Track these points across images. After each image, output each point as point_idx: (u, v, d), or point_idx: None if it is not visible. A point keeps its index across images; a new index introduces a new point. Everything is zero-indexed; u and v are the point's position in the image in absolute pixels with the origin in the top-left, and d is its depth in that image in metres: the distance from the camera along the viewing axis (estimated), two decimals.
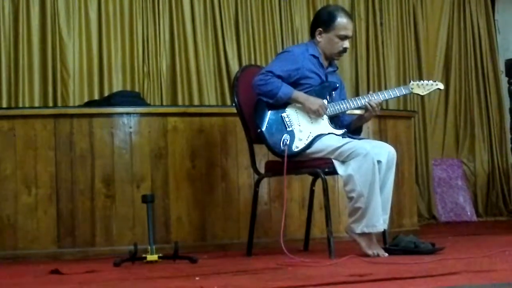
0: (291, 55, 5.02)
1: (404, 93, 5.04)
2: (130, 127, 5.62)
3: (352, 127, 5.09)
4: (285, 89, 4.87)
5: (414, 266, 4.00)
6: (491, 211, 9.08)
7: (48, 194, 5.48)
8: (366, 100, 4.93)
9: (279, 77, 4.88)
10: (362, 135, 5.15)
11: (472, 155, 9.20)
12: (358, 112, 5.49)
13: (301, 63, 4.98)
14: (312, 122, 4.90)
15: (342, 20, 4.99)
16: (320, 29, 5.03)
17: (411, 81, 5.09)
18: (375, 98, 4.93)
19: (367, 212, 4.70)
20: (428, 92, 5.05)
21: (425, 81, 5.07)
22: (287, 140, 4.85)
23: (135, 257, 4.73)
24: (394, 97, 5.04)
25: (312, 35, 5.10)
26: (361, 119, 5.08)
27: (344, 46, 5.01)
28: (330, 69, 5.14)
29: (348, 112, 5.10)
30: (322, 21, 5.03)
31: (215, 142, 5.78)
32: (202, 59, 7.97)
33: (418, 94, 5.08)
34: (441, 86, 5.08)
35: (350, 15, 5.17)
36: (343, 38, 5.00)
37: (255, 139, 5.06)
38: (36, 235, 5.45)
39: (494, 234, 6.51)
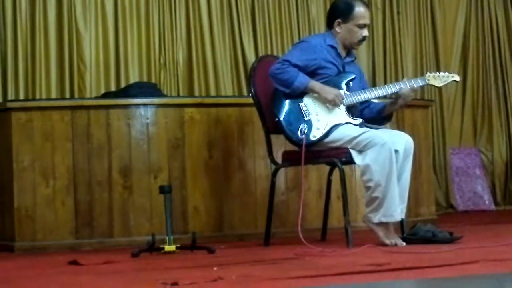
0: (308, 45, 5.03)
1: (420, 84, 5.01)
2: (147, 118, 5.62)
3: (386, 112, 5.06)
4: (301, 79, 4.87)
5: (432, 255, 4.00)
6: (510, 200, 9.02)
7: (66, 185, 5.50)
8: (398, 88, 4.91)
9: (295, 66, 4.88)
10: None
11: (490, 144, 9.13)
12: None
13: (319, 53, 4.98)
14: (329, 112, 4.89)
15: (359, 9, 5.00)
16: (339, 20, 5.02)
17: (427, 72, 5.08)
18: (403, 86, 4.92)
19: (385, 201, 4.70)
20: (444, 84, 5.04)
21: (441, 73, 5.06)
22: (305, 129, 4.85)
23: (152, 248, 4.75)
24: (410, 88, 5.00)
25: (329, 26, 5.09)
26: (394, 104, 5.04)
27: (364, 34, 5.01)
28: (348, 59, 5.13)
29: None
30: (340, 12, 5.02)
31: (232, 133, 5.78)
32: (218, 49, 7.95)
33: (434, 86, 5.06)
34: (457, 78, 5.06)
35: (366, 3, 5.16)
36: (362, 26, 5.00)
37: (272, 129, 5.06)
38: (54, 226, 5.47)
39: None
